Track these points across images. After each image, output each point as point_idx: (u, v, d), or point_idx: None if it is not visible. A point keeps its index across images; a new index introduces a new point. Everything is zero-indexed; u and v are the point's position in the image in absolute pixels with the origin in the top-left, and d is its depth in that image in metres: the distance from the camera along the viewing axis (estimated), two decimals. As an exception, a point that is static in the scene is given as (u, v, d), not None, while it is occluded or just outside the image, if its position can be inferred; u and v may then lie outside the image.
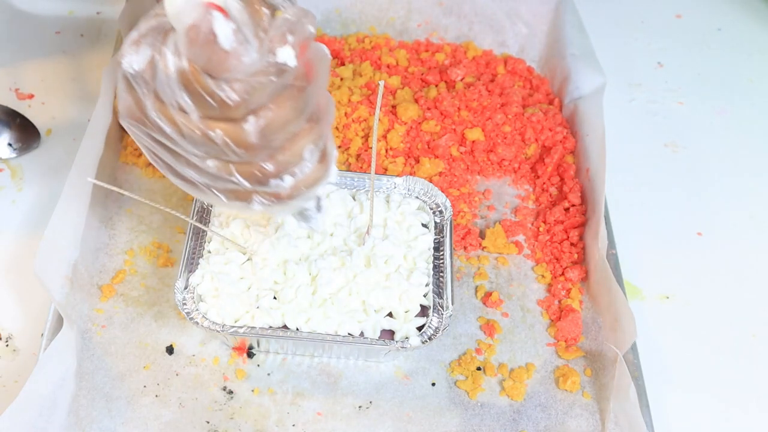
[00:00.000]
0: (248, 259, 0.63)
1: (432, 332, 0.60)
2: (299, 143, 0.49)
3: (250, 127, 0.45)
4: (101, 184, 0.55)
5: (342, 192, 0.68)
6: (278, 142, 0.48)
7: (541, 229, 0.74)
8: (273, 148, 0.48)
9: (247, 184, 0.49)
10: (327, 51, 0.48)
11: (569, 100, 0.82)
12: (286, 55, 0.44)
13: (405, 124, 0.79)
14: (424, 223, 0.68)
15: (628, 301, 0.64)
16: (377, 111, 0.55)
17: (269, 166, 0.48)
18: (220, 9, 0.41)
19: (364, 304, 0.62)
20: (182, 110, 0.45)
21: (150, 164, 0.75)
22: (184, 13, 0.41)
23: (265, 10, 0.44)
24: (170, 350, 0.64)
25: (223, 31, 0.41)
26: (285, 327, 0.61)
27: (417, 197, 0.69)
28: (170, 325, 0.65)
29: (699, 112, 0.89)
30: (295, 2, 0.47)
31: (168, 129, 0.46)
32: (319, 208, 0.58)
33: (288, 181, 0.50)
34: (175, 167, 0.50)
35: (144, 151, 0.50)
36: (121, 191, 0.55)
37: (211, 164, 0.48)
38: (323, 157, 0.52)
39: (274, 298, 0.62)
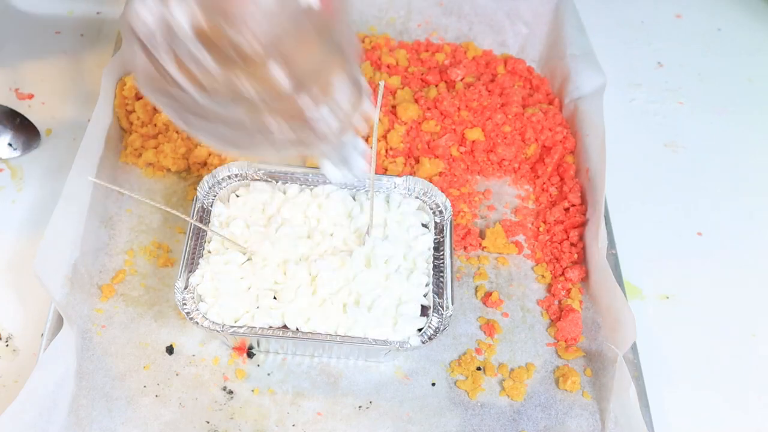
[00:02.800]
0: (248, 259, 0.63)
1: (432, 332, 0.60)
2: (327, 75, 0.47)
3: (278, 72, 0.43)
4: (103, 183, 0.55)
5: (342, 192, 0.68)
6: (307, 79, 0.45)
7: (541, 229, 0.74)
8: (303, 86, 0.46)
9: (286, 127, 0.47)
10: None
11: (569, 100, 0.82)
12: None
13: (405, 124, 0.79)
14: (424, 223, 0.68)
15: (628, 301, 0.64)
16: (377, 111, 0.55)
17: (305, 101, 0.46)
18: None
19: (364, 304, 0.61)
20: (204, 67, 0.42)
21: (150, 164, 0.75)
22: None
23: None
24: (170, 350, 0.64)
25: None
26: (285, 327, 0.61)
27: (417, 197, 0.69)
28: (170, 325, 0.65)
29: (699, 112, 0.89)
30: None
31: (192, 89, 0.43)
32: (355, 146, 0.56)
33: (326, 112, 0.48)
34: (211, 131, 0.47)
35: (172, 118, 0.48)
36: (123, 191, 0.55)
37: (245, 117, 0.45)
38: (356, 88, 0.50)
39: (274, 298, 0.62)
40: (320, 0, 0.43)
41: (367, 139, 0.78)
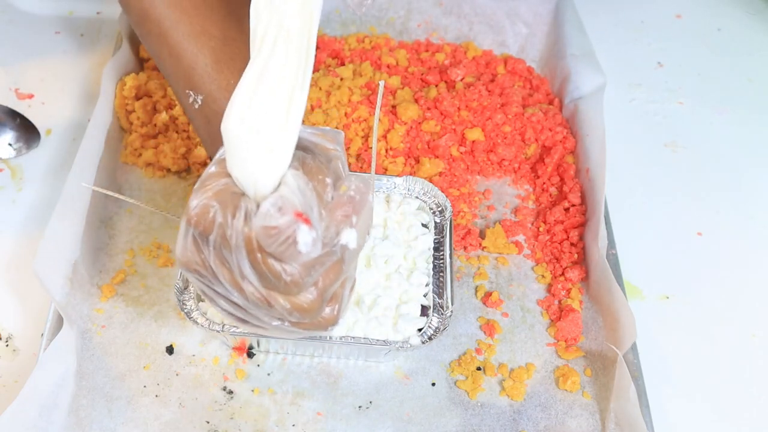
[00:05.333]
0: None
1: (432, 332, 0.60)
2: (346, 292, 0.50)
3: (309, 296, 0.46)
4: (97, 189, 0.55)
5: (342, 192, 0.68)
6: (329, 296, 0.49)
7: (541, 229, 0.74)
8: (326, 301, 0.49)
9: (306, 333, 0.50)
10: (373, 205, 0.48)
11: (569, 100, 0.82)
12: (350, 238, 0.45)
13: (405, 124, 0.79)
14: (424, 223, 0.68)
15: (628, 301, 0.64)
16: (377, 111, 0.55)
17: (326, 317, 0.49)
18: (307, 221, 0.42)
19: (365, 304, 0.61)
20: (243, 276, 0.45)
21: (150, 164, 0.75)
22: (269, 216, 0.42)
23: (328, 180, 0.45)
24: (170, 350, 0.63)
25: (304, 240, 0.42)
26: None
27: (417, 197, 0.69)
28: (170, 325, 0.65)
29: (699, 112, 0.89)
30: (340, 142, 0.48)
31: (228, 287, 0.46)
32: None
33: (341, 322, 0.51)
34: (234, 313, 0.50)
35: (200, 293, 0.50)
36: (118, 195, 0.56)
37: (273, 322, 0.49)
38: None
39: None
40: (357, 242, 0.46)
41: (367, 139, 0.78)
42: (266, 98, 0.43)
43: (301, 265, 0.44)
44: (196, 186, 0.45)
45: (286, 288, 0.45)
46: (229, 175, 0.45)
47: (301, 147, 0.46)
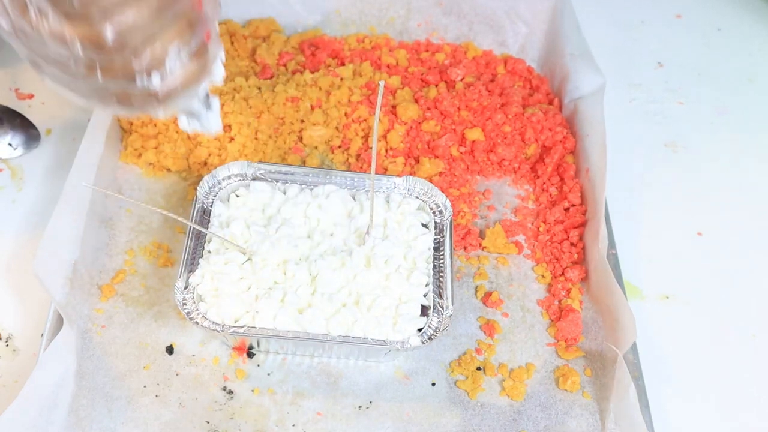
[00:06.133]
0: (248, 259, 0.63)
1: (432, 332, 0.60)
2: (163, 42, 0.49)
3: (106, 27, 0.45)
4: (97, 189, 0.55)
5: (342, 192, 0.68)
6: (138, 42, 0.47)
7: (541, 229, 0.74)
8: (132, 48, 0.47)
9: (113, 84, 0.49)
10: None
11: (569, 100, 0.82)
12: None
13: (405, 124, 0.79)
14: (424, 223, 0.68)
15: (628, 301, 0.64)
16: (377, 111, 0.55)
17: (134, 64, 0.48)
18: None
19: (364, 304, 0.61)
20: (40, 11, 0.44)
21: (150, 164, 0.75)
22: None
23: None
24: (170, 350, 0.64)
25: None
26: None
27: (417, 197, 0.69)
28: (170, 325, 0.65)
29: (699, 112, 0.89)
30: None
31: (27, 29, 0.46)
32: (208, 105, 0.58)
33: (155, 78, 0.50)
34: (55, 75, 0.49)
35: (28, 63, 0.50)
36: (118, 195, 0.56)
37: (76, 67, 0.48)
38: (200, 55, 0.52)
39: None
40: None
41: (367, 139, 0.78)
42: None
43: None
44: None
45: (78, 8, 0.44)
46: None
47: None
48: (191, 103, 0.57)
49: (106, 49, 0.46)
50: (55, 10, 0.44)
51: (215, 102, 0.59)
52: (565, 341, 0.67)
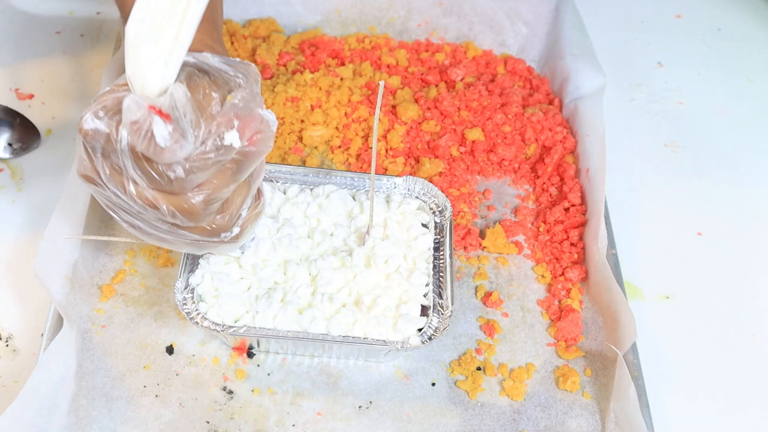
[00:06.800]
0: (242, 253, 0.63)
1: (432, 332, 0.60)
2: (237, 202, 0.53)
3: (193, 198, 0.49)
4: (84, 237, 0.57)
5: (342, 192, 0.68)
6: (219, 206, 0.52)
7: (541, 229, 0.74)
8: (215, 212, 0.52)
9: (195, 237, 0.53)
10: (273, 120, 0.52)
11: (569, 100, 0.82)
12: (233, 138, 0.48)
13: (405, 124, 0.79)
14: (424, 223, 0.68)
15: (628, 301, 0.64)
16: (377, 111, 0.55)
17: (217, 224, 0.53)
18: (161, 113, 0.45)
19: (364, 304, 0.61)
20: (134, 181, 0.48)
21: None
22: (129, 111, 0.45)
23: (215, 95, 0.48)
24: (170, 350, 0.64)
25: (160, 133, 0.45)
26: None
27: (417, 197, 0.69)
28: (170, 325, 0.65)
29: (699, 112, 0.89)
30: (250, 73, 0.51)
31: (120, 194, 0.50)
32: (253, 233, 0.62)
33: (236, 231, 0.55)
34: (132, 222, 0.53)
35: (105, 207, 0.53)
36: (109, 239, 0.62)
37: (164, 226, 0.52)
38: (257, 197, 0.57)
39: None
40: (242, 137, 0.49)
41: (367, 139, 0.78)
42: (164, 6, 0.44)
43: (184, 167, 0.47)
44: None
45: (170, 187, 0.48)
46: (119, 90, 0.48)
47: (202, 70, 0.49)
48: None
49: (195, 217, 0.51)
50: (151, 185, 0.48)
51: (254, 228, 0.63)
52: (565, 341, 0.67)
